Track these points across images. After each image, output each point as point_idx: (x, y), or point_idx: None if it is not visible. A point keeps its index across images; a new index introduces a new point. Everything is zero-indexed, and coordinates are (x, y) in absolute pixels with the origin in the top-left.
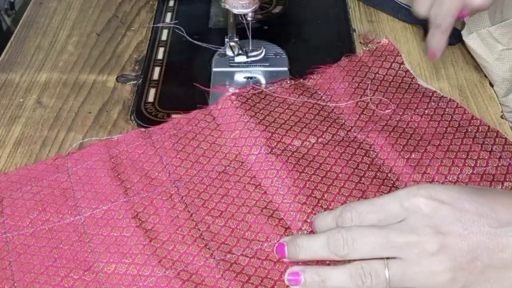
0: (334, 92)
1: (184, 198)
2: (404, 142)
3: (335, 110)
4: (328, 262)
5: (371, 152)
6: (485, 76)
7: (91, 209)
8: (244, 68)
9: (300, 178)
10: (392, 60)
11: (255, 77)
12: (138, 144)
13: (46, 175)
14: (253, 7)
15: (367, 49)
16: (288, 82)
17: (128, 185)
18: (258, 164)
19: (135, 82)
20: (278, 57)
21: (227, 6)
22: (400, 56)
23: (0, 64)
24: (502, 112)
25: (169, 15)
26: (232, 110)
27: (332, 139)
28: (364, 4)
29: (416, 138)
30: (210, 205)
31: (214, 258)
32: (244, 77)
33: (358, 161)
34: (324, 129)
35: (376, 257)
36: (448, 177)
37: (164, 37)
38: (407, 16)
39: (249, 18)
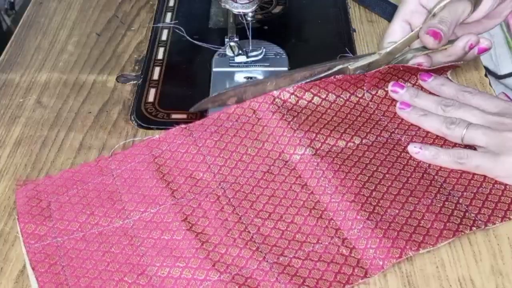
0: (376, 92)
1: (231, 200)
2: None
3: (376, 111)
4: None
5: None
6: (485, 76)
7: (140, 212)
8: (244, 68)
9: (347, 178)
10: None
11: (255, 77)
12: (180, 143)
13: (91, 177)
14: (253, 7)
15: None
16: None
17: (174, 187)
18: (303, 165)
19: (135, 82)
20: (278, 57)
21: (227, 6)
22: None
23: (0, 64)
24: None
25: (169, 15)
26: (274, 107)
27: (376, 140)
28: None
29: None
30: (258, 207)
31: (267, 261)
32: (244, 77)
33: (403, 163)
34: (368, 130)
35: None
36: (495, 185)
37: (164, 37)
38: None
39: (249, 18)
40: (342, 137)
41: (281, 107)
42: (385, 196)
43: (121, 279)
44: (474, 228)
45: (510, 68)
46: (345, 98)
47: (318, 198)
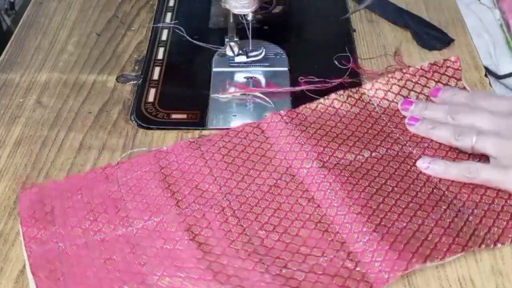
0: (388, 104)
1: (236, 212)
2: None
3: (389, 123)
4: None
5: None
6: (485, 76)
7: (143, 221)
8: (244, 68)
9: (354, 189)
10: (450, 75)
11: (255, 77)
12: (187, 155)
13: (97, 184)
14: (253, 7)
15: (431, 62)
16: (343, 92)
17: (179, 197)
18: (310, 178)
19: (135, 82)
20: (278, 57)
21: (227, 6)
22: (459, 70)
23: (0, 64)
24: None
25: (169, 15)
26: (282, 125)
27: (386, 153)
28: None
29: (476, 158)
30: (263, 219)
31: (270, 273)
32: (244, 77)
33: (413, 177)
34: (378, 143)
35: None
36: (508, 201)
37: (164, 37)
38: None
39: (249, 18)
40: (351, 150)
41: (289, 123)
42: (393, 209)
43: (121, 287)
44: (483, 246)
45: (510, 68)
46: (356, 112)
47: (325, 212)
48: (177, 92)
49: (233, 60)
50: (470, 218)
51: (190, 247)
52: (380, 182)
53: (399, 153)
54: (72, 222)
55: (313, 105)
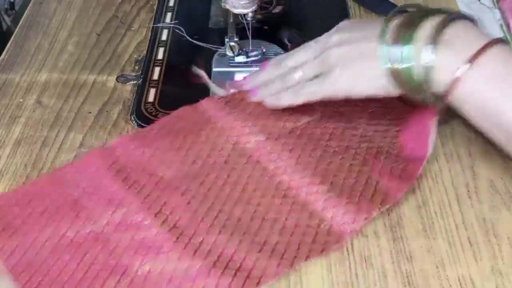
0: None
1: (196, 193)
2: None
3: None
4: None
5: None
6: None
7: (108, 216)
8: (244, 68)
9: (302, 155)
10: None
11: None
12: (133, 147)
13: (50, 189)
14: (253, 7)
15: None
16: None
17: (138, 188)
18: (258, 151)
19: (135, 82)
20: None
21: (227, 6)
22: None
23: (0, 64)
24: None
25: (169, 15)
26: (220, 105)
27: (322, 115)
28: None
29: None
30: (224, 196)
31: (246, 242)
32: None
33: (350, 134)
34: (314, 108)
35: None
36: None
37: (164, 37)
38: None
39: (249, 18)
40: (290, 119)
41: (227, 103)
42: (340, 167)
43: (103, 283)
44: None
45: None
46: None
47: (279, 179)
48: (177, 92)
49: (233, 60)
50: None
51: (161, 232)
52: (323, 144)
53: (336, 114)
54: (33, 232)
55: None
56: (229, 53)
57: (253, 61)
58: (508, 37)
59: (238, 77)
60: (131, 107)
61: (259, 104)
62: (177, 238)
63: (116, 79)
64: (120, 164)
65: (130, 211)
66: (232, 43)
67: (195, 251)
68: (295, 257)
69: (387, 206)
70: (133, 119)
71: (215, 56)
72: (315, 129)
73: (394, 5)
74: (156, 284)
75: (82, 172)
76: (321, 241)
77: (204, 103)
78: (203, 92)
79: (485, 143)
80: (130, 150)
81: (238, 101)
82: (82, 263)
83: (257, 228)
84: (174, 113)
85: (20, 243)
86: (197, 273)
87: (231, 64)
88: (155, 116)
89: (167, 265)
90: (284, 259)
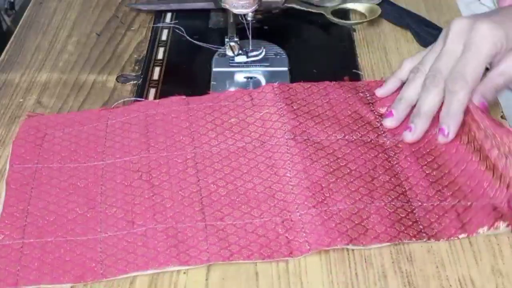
0: (380, 97)
1: (197, 164)
2: (431, 159)
3: (375, 112)
4: None
5: (394, 158)
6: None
7: (114, 158)
8: (244, 68)
9: (312, 165)
10: None
11: (255, 77)
12: (174, 109)
13: (89, 122)
14: (253, 7)
15: None
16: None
17: (152, 143)
18: (277, 147)
19: (135, 82)
20: (278, 57)
21: (227, 6)
22: None
23: (0, 64)
24: (502, 112)
25: (169, 15)
26: (270, 95)
27: (360, 138)
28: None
29: (442, 159)
30: (219, 175)
31: (205, 222)
32: (244, 77)
33: (377, 163)
34: (356, 128)
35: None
36: (462, 201)
37: (164, 37)
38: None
39: (249, 18)
40: (325, 130)
41: (277, 95)
42: (341, 190)
43: (73, 209)
44: (413, 239)
45: None
46: (346, 96)
47: (278, 179)
48: (177, 92)
49: (233, 60)
50: (416, 210)
51: (143, 186)
52: (341, 164)
53: (372, 141)
54: (55, 149)
55: (307, 84)
56: (229, 53)
57: (253, 61)
58: None
59: (238, 77)
60: None
61: (311, 103)
62: (152, 195)
63: (116, 79)
64: (153, 119)
65: (132, 160)
66: (232, 43)
67: (155, 213)
68: (238, 252)
69: (356, 247)
70: None
71: (215, 56)
72: (344, 147)
73: (393, 5)
74: (110, 226)
75: (123, 115)
76: (273, 248)
77: (258, 92)
78: (203, 91)
79: None
80: (169, 111)
81: (293, 94)
82: (72, 186)
83: (226, 214)
84: (227, 92)
85: (38, 154)
86: (144, 232)
87: (231, 64)
88: None
89: (127, 215)
90: (227, 249)
